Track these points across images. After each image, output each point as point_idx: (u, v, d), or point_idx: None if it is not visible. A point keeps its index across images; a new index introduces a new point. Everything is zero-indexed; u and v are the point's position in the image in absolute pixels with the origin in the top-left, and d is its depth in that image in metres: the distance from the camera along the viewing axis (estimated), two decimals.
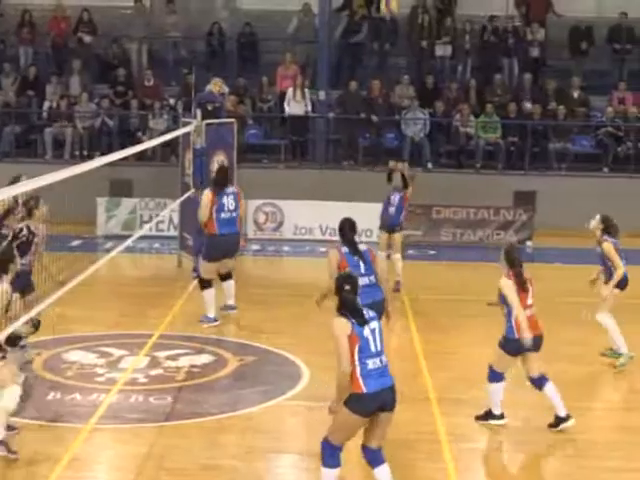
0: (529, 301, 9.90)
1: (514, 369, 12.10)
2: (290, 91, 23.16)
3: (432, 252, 20.18)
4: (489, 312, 15.18)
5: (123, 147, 15.76)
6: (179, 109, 22.67)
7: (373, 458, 7.86)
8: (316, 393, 10.95)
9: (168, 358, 12.31)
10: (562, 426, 9.96)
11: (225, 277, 14.28)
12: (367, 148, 23.34)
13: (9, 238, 10.96)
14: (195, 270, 17.02)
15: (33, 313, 8.90)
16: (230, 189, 13.99)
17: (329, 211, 19.87)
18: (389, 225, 16.11)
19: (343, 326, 7.66)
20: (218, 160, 17.18)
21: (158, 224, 20.46)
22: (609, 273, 12.19)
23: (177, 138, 17.76)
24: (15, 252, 9.60)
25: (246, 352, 12.75)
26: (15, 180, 10.84)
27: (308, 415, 10.60)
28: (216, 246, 13.87)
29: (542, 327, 10.00)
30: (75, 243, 18.92)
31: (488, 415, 10.08)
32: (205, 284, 13.96)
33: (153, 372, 11.77)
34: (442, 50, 24.79)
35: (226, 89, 21.87)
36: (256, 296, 15.31)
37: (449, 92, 23.95)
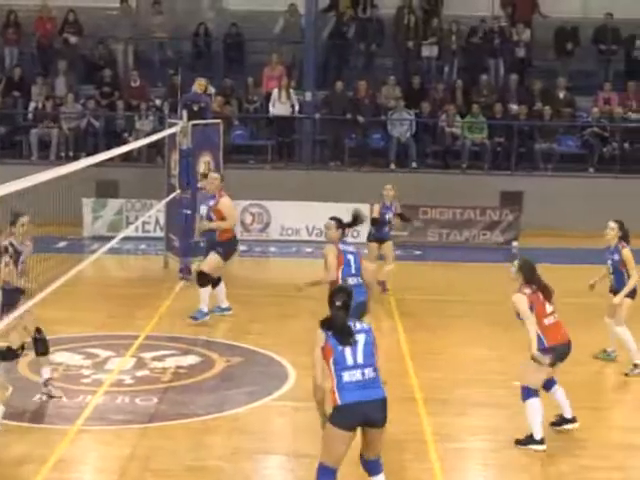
0: (548, 309, 9.64)
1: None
2: (275, 92, 23.16)
3: (418, 252, 20.20)
4: (475, 312, 15.30)
5: (109, 148, 15.71)
6: (165, 110, 22.67)
7: (368, 468, 7.75)
8: (302, 393, 10.95)
9: (154, 359, 12.30)
10: (565, 427, 9.95)
11: (218, 281, 14.36)
12: (353, 149, 23.36)
13: None
14: (181, 271, 17.03)
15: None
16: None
17: (316, 212, 19.87)
18: (380, 236, 16.06)
19: (318, 337, 7.62)
20: (204, 160, 17.22)
21: (144, 225, 20.45)
22: (619, 281, 12.00)
23: (163, 139, 17.75)
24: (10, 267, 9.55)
25: (233, 353, 12.74)
26: (15, 219, 10.52)
27: (294, 416, 10.60)
28: (234, 247, 14.47)
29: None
30: (61, 244, 18.87)
31: (529, 440, 9.60)
32: (206, 281, 14.01)
33: (139, 373, 11.76)
34: (428, 51, 24.84)
35: (212, 89, 21.88)
36: (243, 297, 15.31)
37: (435, 93, 23.98)
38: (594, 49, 25.15)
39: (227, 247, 14.21)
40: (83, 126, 23.07)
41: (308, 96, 23.49)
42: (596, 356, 12.53)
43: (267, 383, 11.48)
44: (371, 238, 16.15)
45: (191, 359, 12.39)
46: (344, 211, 20.76)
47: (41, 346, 10.58)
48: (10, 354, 10.26)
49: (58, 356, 12.27)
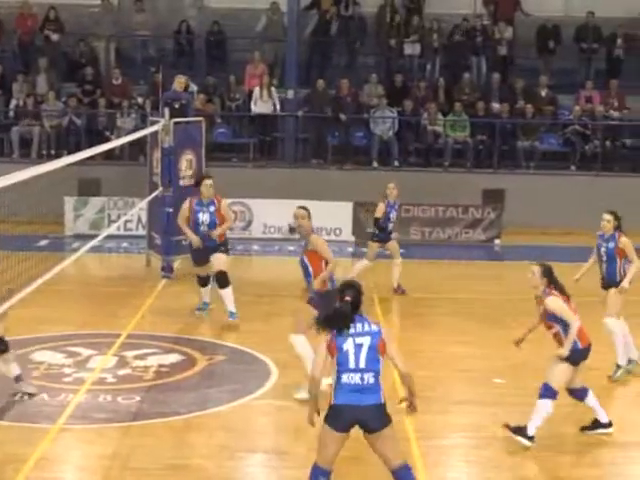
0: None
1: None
2: (257, 90, 23.15)
3: (401, 250, 20.15)
4: (457, 310, 15.33)
5: (91, 146, 15.67)
6: (147, 108, 22.61)
7: (398, 478, 7.66)
8: (285, 392, 10.96)
9: (136, 358, 12.27)
10: (600, 431, 9.89)
11: (208, 278, 14.39)
12: (336, 147, 23.37)
13: None
14: (164, 269, 17.00)
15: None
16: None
17: None
18: (384, 238, 16.10)
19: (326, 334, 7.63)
20: (187, 159, 17.19)
21: (126, 223, 20.40)
22: (611, 271, 11.73)
23: (145, 137, 17.70)
24: None
25: (215, 351, 12.73)
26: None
27: (277, 414, 10.60)
28: (228, 245, 14.61)
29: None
30: (43, 243, 18.81)
31: (521, 432, 9.52)
32: (228, 281, 13.95)
33: (121, 372, 11.72)
34: (411, 49, 24.86)
35: (194, 87, 21.85)
36: None
37: (418, 91, 24.01)
38: (576, 47, 25.22)
39: (227, 245, 14.35)
40: (65, 124, 23.00)
41: (290, 94, 23.48)
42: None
43: (249, 381, 11.46)
44: (375, 239, 16.15)
45: (173, 357, 12.37)
46: (326, 209, 20.97)
47: (1, 344, 10.44)
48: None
49: (40, 355, 12.25)
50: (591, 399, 9.89)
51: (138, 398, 10.79)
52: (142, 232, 19.50)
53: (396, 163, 23.10)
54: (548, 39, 25.00)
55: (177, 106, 17.34)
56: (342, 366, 7.53)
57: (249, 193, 21.09)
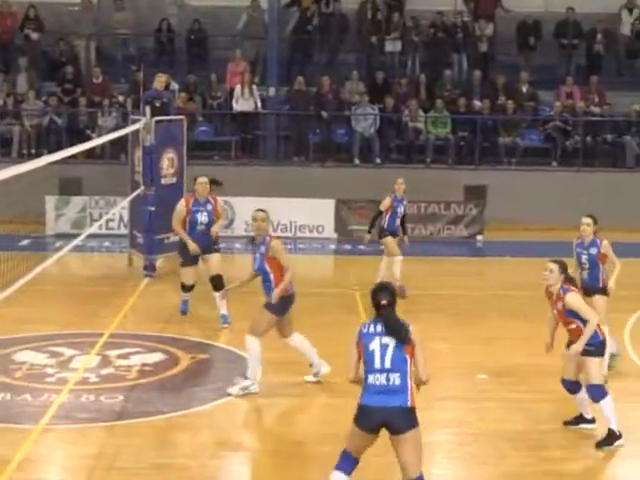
0: None
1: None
2: (238, 88, 23.12)
3: (383, 247, 20.19)
4: (440, 306, 15.35)
5: (72, 145, 15.62)
6: (128, 106, 22.55)
7: None
8: (269, 390, 10.95)
9: (119, 357, 12.24)
10: (582, 426, 9.96)
11: (192, 288, 14.38)
12: (317, 144, 23.36)
13: None
14: (146, 268, 16.96)
15: None
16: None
17: (280, 207, 19.83)
18: (393, 230, 16.11)
19: (355, 333, 7.64)
20: (168, 157, 17.16)
21: (108, 222, 20.34)
22: (594, 277, 11.57)
23: (126, 135, 17.65)
24: None
25: (198, 350, 12.71)
26: None
27: (261, 412, 10.59)
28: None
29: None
30: (24, 242, 18.73)
31: (615, 437, 9.61)
32: (223, 284, 13.86)
33: (104, 371, 11.69)
34: (392, 46, 24.88)
35: (175, 85, 21.79)
36: (208, 294, 15.22)
37: (399, 87, 24.03)
38: (556, 43, 25.31)
39: (218, 243, 14.21)
40: (45, 123, 22.92)
41: (272, 91, 23.47)
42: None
43: (233, 380, 11.43)
44: (385, 233, 16.10)
45: (156, 356, 12.34)
46: (308, 206, 20.94)
47: None
48: None
49: (22, 355, 12.20)
50: (582, 394, 9.91)
51: (121, 397, 10.76)
52: (124, 231, 19.45)
53: (378, 160, 23.12)
54: (528, 35, 25.08)
55: (158, 104, 17.29)
56: (367, 366, 7.47)
57: (231, 191, 20.92)
